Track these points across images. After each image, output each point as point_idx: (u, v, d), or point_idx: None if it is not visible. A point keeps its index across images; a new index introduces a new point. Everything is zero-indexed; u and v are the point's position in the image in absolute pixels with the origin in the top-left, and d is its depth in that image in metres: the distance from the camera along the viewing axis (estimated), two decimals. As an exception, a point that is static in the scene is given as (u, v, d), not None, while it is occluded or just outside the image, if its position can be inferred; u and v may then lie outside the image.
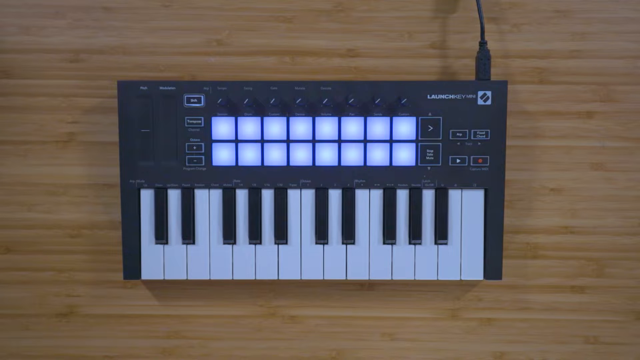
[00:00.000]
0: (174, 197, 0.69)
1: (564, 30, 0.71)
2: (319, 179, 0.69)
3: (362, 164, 0.68)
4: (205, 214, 0.69)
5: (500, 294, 0.74)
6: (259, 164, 0.68)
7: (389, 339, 0.74)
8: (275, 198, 0.69)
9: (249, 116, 0.68)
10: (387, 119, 0.68)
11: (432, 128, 0.68)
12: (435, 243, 0.69)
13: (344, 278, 0.69)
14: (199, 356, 0.75)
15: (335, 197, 0.69)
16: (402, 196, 0.69)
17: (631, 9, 0.71)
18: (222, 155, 0.68)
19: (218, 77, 0.71)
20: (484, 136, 0.67)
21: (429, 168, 0.68)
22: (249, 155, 0.68)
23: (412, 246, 0.69)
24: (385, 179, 0.68)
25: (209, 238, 0.69)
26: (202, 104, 0.67)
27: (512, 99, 0.71)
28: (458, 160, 0.68)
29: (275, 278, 0.69)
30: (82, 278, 0.73)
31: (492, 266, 0.69)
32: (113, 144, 0.71)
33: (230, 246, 0.69)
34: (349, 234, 0.69)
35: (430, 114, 0.67)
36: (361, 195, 0.69)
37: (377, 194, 0.69)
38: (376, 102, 0.67)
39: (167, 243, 0.69)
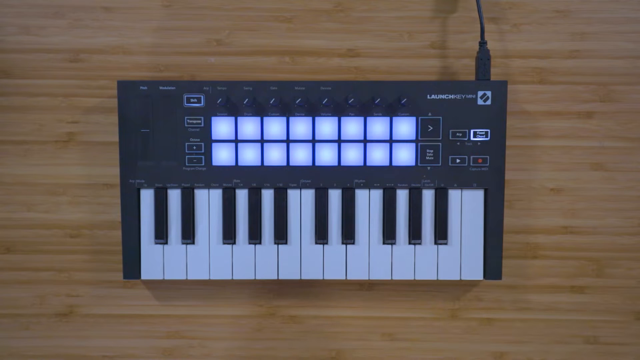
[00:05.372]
0: (173, 197, 0.69)
1: (563, 30, 0.71)
2: (319, 179, 0.69)
3: (362, 164, 0.68)
4: (205, 214, 0.69)
5: (500, 294, 0.74)
6: (259, 164, 0.68)
7: (389, 339, 0.74)
8: (275, 198, 0.69)
9: (249, 116, 0.68)
10: (387, 119, 0.68)
11: (432, 128, 0.68)
12: (435, 243, 0.69)
13: (344, 278, 0.69)
14: (199, 356, 0.75)
15: (335, 197, 0.69)
16: (402, 196, 0.69)
17: (631, 9, 0.71)
18: (222, 155, 0.68)
19: (218, 77, 0.71)
20: (484, 136, 0.67)
21: (428, 168, 0.68)
22: (249, 155, 0.68)
23: (412, 246, 0.69)
24: (385, 179, 0.68)
25: (208, 238, 0.69)
26: (202, 104, 0.67)
27: (512, 99, 0.71)
28: (458, 160, 0.68)
29: (275, 278, 0.69)
30: (82, 278, 0.73)
31: (492, 266, 0.69)
32: (113, 144, 0.71)
33: (230, 246, 0.69)
34: (348, 234, 0.69)
35: (430, 114, 0.67)
36: (361, 195, 0.69)
37: (377, 194, 0.69)
38: (376, 102, 0.67)
39: (167, 243, 0.69)
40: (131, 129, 0.67)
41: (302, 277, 0.69)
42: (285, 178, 0.68)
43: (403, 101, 0.67)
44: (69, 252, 0.73)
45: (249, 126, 0.68)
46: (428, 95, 0.67)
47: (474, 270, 0.69)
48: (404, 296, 0.74)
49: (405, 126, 0.68)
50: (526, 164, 0.72)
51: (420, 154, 0.68)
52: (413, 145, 0.68)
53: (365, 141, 0.68)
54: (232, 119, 0.68)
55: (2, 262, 0.73)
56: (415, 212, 0.69)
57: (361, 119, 0.68)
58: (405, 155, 0.68)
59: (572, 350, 0.75)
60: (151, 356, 0.74)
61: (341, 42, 0.71)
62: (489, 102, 0.67)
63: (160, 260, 0.69)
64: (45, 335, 0.74)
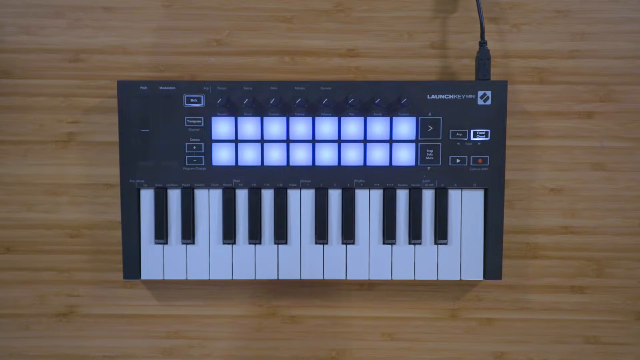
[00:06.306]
0: (173, 197, 0.69)
1: (563, 30, 0.71)
2: (319, 179, 0.69)
3: (362, 164, 0.68)
4: (205, 214, 0.69)
5: (500, 294, 0.74)
6: (259, 164, 0.68)
7: (389, 339, 0.74)
8: (275, 198, 0.69)
9: (249, 116, 0.68)
10: (387, 119, 0.68)
11: (432, 128, 0.68)
12: (435, 243, 0.69)
13: (344, 278, 0.69)
14: (199, 356, 0.75)
15: (335, 197, 0.69)
16: (402, 196, 0.69)
17: (631, 9, 0.71)
18: (222, 155, 0.68)
19: (218, 77, 0.71)
20: (484, 136, 0.67)
21: (428, 168, 0.68)
22: (249, 155, 0.68)
23: (412, 246, 0.69)
24: (385, 179, 0.68)
25: (208, 238, 0.69)
26: (202, 104, 0.67)
27: (512, 99, 0.71)
28: (458, 160, 0.68)
29: (275, 278, 0.69)
30: (82, 278, 0.73)
31: (492, 266, 0.69)
32: (113, 144, 0.71)
33: (230, 246, 0.69)
34: (348, 234, 0.69)
35: (430, 114, 0.67)
36: (361, 195, 0.69)
37: (377, 194, 0.69)
38: (376, 102, 0.67)
39: (167, 243, 0.69)
40: (131, 129, 0.67)
41: (302, 277, 0.69)
42: (285, 178, 0.68)
43: (403, 101, 0.67)
44: (69, 252, 0.73)
45: (249, 126, 0.68)
46: (428, 95, 0.67)
47: (474, 270, 0.69)
48: (404, 296, 0.74)
49: (405, 126, 0.68)
50: (526, 164, 0.72)
51: (420, 154, 0.68)
52: (413, 145, 0.68)
53: (365, 141, 0.68)
54: (232, 119, 0.68)
55: (2, 262, 0.73)
56: (415, 212, 0.69)
57: (361, 119, 0.68)
58: (405, 155, 0.68)
59: (572, 350, 0.75)
60: (151, 356, 0.74)
61: (341, 42, 0.71)
62: (489, 102, 0.67)
63: (160, 260, 0.69)
64: (45, 335, 0.74)
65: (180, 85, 0.67)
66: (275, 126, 0.68)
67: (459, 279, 0.69)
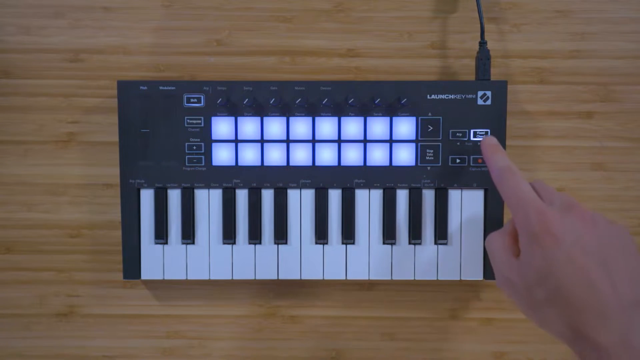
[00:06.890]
0: (173, 197, 0.69)
1: (564, 30, 0.71)
2: (319, 179, 0.69)
3: (362, 164, 0.68)
4: (205, 214, 0.69)
5: (500, 294, 0.74)
6: (259, 164, 0.68)
7: (389, 339, 0.74)
8: (275, 198, 0.69)
9: (249, 116, 0.68)
10: (387, 119, 0.68)
11: (432, 128, 0.68)
12: (435, 243, 0.69)
13: (344, 278, 0.69)
14: (199, 356, 0.75)
15: (335, 197, 0.69)
16: (402, 196, 0.69)
17: (631, 9, 0.71)
18: (222, 155, 0.68)
19: (218, 77, 0.71)
20: (484, 136, 0.67)
21: (428, 168, 0.68)
22: (249, 155, 0.68)
23: (412, 246, 0.69)
24: (385, 179, 0.68)
25: (208, 238, 0.69)
26: (202, 104, 0.67)
27: (512, 99, 0.71)
28: (458, 160, 0.68)
29: (275, 278, 0.69)
30: (82, 278, 0.73)
31: (492, 266, 0.69)
32: (113, 144, 0.71)
33: (230, 246, 0.69)
34: (348, 234, 0.69)
35: (430, 114, 0.67)
36: (361, 195, 0.69)
37: (377, 194, 0.69)
38: (376, 102, 0.67)
39: (167, 243, 0.69)
40: (131, 129, 0.67)
41: (302, 277, 0.69)
42: (285, 178, 0.68)
43: (403, 101, 0.67)
44: (69, 252, 0.73)
45: (249, 126, 0.68)
46: (428, 95, 0.67)
47: (474, 270, 0.69)
48: (404, 296, 0.74)
49: (405, 126, 0.68)
50: (526, 164, 0.72)
51: (420, 154, 0.68)
52: (413, 145, 0.68)
53: (365, 141, 0.68)
54: (232, 119, 0.68)
55: (2, 262, 0.73)
56: (415, 212, 0.69)
57: (361, 119, 0.68)
58: (405, 155, 0.68)
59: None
60: (151, 356, 0.74)
61: (341, 42, 0.71)
62: (489, 102, 0.67)
63: (160, 260, 0.69)
64: (45, 335, 0.74)
65: (180, 85, 0.67)
66: (275, 126, 0.68)
67: (459, 279, 0.69)
